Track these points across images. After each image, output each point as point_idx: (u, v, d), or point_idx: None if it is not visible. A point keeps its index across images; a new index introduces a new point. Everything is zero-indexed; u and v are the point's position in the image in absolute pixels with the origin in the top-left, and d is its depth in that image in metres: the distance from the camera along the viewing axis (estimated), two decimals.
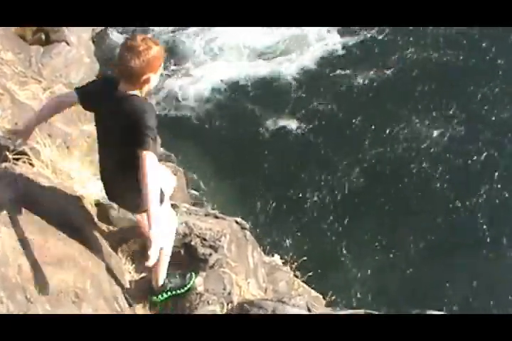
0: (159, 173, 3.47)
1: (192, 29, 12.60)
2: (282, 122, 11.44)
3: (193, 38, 12.59)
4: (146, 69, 3.40)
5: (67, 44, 10.45)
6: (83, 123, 6.98)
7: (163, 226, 3.62)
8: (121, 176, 3.64)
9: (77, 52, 10.59)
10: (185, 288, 4.59)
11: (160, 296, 4.51)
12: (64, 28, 10.43)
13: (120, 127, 3.46)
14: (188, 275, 4.63)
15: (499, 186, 10.76)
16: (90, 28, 11.62)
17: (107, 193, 4.10)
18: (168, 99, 11.72)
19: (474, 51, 12.48)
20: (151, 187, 3.27)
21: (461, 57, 12.34)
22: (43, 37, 10.26)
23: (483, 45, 12.54)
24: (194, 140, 10.94)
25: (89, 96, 3.74)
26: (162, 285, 4.47)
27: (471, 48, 12.50)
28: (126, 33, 12.19)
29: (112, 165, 3.74)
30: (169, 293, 4.53)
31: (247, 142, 11.25)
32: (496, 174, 10.89)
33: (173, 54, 12.36)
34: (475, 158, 11.07)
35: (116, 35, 12.28)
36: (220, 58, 12.40)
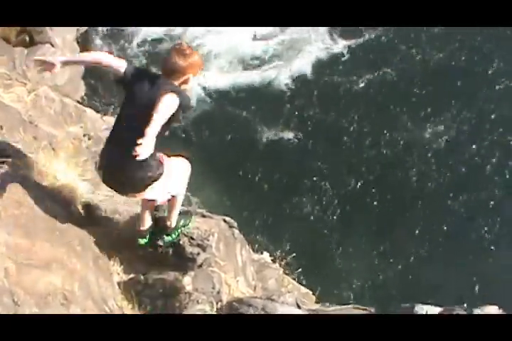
0: (169, 112, 3.87)
1: (177, 37, 12.41)
2: (278, 129, 11.29)
3: None
4: (188, 69, 4.05)
5: (52, 45, 10.35)
6: (69, 125, 6.96)
7: (177, 175, 4.38)
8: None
9: (61, 53, 10.49)
10: (191, 224, 4.99)
11: (173, 235, 4.89)
12: (48, 29, 10.34)
13: (153, 102, 3.85)
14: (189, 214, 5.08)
15: (499, 187, 10.81)
16: (75, 29, 11.49)
17: (106, 173, 4.28)
18: None
19: (475, 51, 12.41)
20: (160, 114, 3.76)
21: (463, 58, 12.29)
22: (27, 38, 10.16)
23: (483, 45, 12.44)
24: (184, 148, 10.79)
25: (134, 72, 4.16)
26: (175, 225, 4.86)
27: (472, 49, 12.41)
28: (108, 41, 12.04)
29: (128, 140, 3.82)
30: (179, 231, 4.92)
31: (241, 148, 11.13)
32: (497, 176, 10.92)
33: (157, 62, 12.12)
34: (475, 159, 11.08)
35: (98, 42, 12.09)
36: (208, 67, 12.08)
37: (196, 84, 11.66)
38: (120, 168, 4.09)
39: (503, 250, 10.26)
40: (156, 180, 4.21)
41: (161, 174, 4.22)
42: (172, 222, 4.85)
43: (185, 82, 4.12)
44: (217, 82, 11.84)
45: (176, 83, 4.06)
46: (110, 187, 4.39)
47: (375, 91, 11.88)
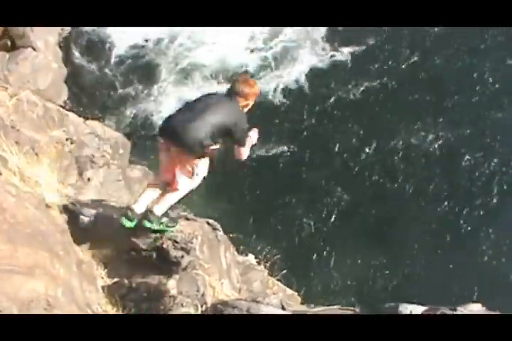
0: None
1: (161, 48, 12.08)
2: (272, 142, 11.17)
3: (164, 59, 11.97)
4: (250, 96, 5.10)
5: (34, 49, 10.29)
6: (52, 129, 6.94)
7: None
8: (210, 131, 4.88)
9: (44, 57, 10.42)
10: (172, 229, 5.06)
11: (154, 224, 4.92)
12: (29, 33, 10.29)
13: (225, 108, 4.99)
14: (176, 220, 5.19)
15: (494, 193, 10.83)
16: (57, 33, 11.43)
17: (174, 133, 4.90)
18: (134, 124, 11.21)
19: (475, 57, 12.26)
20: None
21: (463, 63, 12.20)
22: (9, 43, 10.10)
23: (484, 50, 12.30)
24: None
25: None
26: (158, 216, 4.94)
27: (472, 54, 12.27)
28: (88, 58, 11.92)
29: (195, 121, 4.87)
30: (161, 226, 4.97)
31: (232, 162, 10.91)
32: (492, 182, 10.93)
33: (141, 75, 11.81)
34: (471, 162, 11.07)
35: (78, 56, 11.93)
36: (189, 80, 11.83)
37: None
38: (188, 134, 4.80)
39: (493, 252, 10.31)
40: (200, 158, 4.91)
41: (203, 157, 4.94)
42: (158, 209, 4.92)
43: (246, 106, 5.12)
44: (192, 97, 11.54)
45: (239, 105, 5.06)
46: (173, 144, 4.90)
47: (369, 100, 11.70)
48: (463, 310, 5.82)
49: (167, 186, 5.03)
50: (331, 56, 12.33)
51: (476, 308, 6.19)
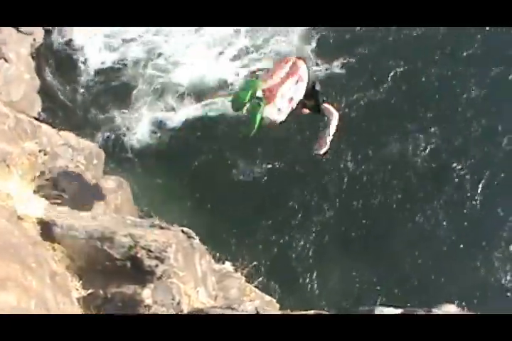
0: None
1: (137, 69, 11.83)
2: (257, 165, 11.01)
3: (139, 80, 11.71)
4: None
5: (6, 61, 10.27)
6: (24, 140, 6.92)
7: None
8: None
9: (16, 69, 10.38)
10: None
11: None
12: (1, 45, 10.25)
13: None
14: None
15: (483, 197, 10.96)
16: (29, 44, 11.38)
17: None
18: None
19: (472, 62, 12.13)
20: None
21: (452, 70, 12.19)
22: None
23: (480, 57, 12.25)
24: (168, 181, 10.63)
25: None
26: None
27: (460, 58, 12.18)
28: (58, 76, 11.75)
29: None
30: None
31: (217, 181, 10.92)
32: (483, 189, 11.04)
33: (115, 96, 11.58)
34: (460, 172, 11.14)
35: (50, 76, 11.79)
36: (163, 102, 11.62)
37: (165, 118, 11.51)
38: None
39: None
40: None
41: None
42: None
43: None
44: (188, 115, 11.46)
45: None
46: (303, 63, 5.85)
47: (359, 113, 11.54)
48: (437, 310, 5.90)
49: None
50: (325, 69, 12.07)
51: (451, 309, 6.28)
